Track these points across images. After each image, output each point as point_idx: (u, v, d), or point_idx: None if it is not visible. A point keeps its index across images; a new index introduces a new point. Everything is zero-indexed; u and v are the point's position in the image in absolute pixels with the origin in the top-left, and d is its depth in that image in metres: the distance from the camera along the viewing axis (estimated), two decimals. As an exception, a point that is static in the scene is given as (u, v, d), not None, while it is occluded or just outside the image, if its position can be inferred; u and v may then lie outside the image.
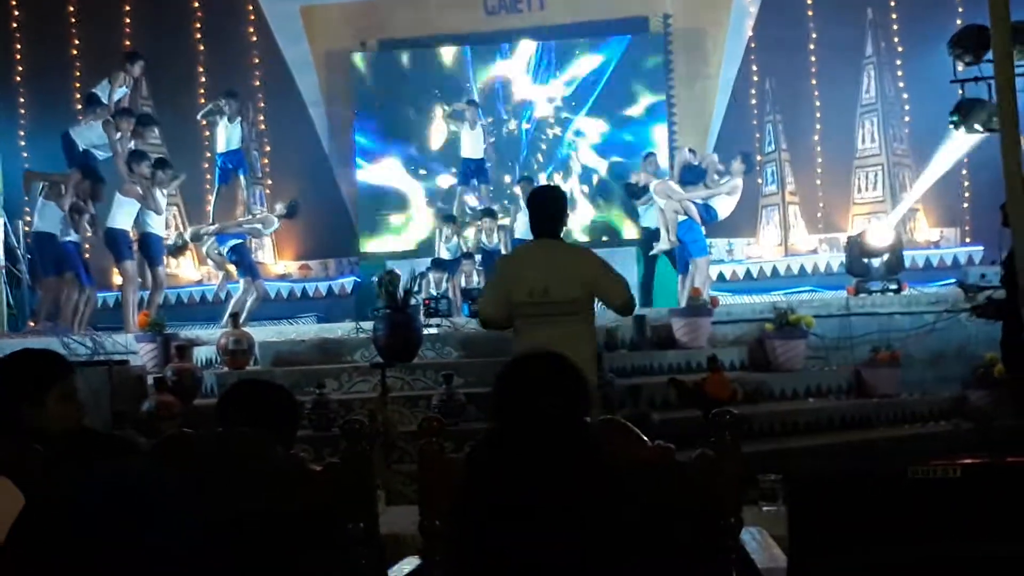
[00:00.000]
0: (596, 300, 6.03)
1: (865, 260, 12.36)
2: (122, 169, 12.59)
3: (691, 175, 13.10)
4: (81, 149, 13.01)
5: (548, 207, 5.94)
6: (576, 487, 3.13)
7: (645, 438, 3.46)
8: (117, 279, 15.93)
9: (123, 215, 12.54)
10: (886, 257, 12.27)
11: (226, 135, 14.26)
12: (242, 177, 14.50)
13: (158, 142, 14.86)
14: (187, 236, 14.05)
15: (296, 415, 3.97)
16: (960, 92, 9.55)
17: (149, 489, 2.30)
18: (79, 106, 16.48)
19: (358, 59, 16.55)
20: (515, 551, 3.10)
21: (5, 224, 14.20)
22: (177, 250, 14.49)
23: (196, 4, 16.62)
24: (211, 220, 14.16)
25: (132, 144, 12.99)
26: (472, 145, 14.85)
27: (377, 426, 7.54)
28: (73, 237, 12.81)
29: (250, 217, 13.99)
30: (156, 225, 12.80)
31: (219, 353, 10.32)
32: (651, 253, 13.59)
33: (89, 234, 13.06)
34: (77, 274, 12.85)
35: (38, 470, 3.24)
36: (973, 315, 8.69)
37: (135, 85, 13.84)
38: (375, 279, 10.55)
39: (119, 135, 12.69)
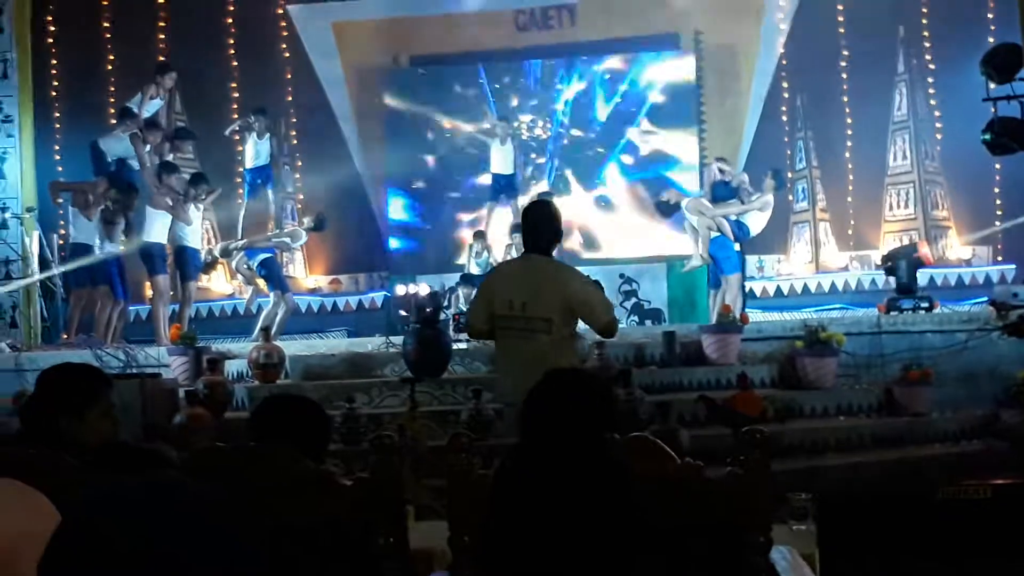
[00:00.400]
0: (576, 321, 5.97)
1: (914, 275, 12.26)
2: (150, 181, 12.68)
3: (723, 191, 13.07)
4: (110, 160, 13.09)
5: (538, 222, 5.93)
6: (600, 503, 3.14)
7: (674, 455, 3.46)
8: (149, 292, 16.10)
9: (156, 228, 12.62)
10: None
11: (254, 150, 14.36)
12: (270, 192, 14.59)
13: (191, 156, 14.96)
14: (216, 252, 14.13)
15: (327, 430, 4.00)
16: (993, 110, 9.50)
17: (182, 503, 2.33)
18: (113, 121, 16.67)
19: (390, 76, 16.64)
20: (539, 565, 3.11)
21: (40, 237, 14.33)
22: (207, 266, 14.58)
23: (230, 20, 16.74)
24: (240, 235, 14.24)
25: (170, 156, 13.07)
26: (503, 161, 14.89)
27: (407, 441, 7.55)
28: (110, 248, 12.89)
29: (278, 231, 14.06)
30: (192, 239, 12.86)
31: (250, 367, 10.38)
32: (683, 270, 13.58)
33: (122, 248, 13.13)
34: (112, 286, 12.95)
35: (71, 483, 3.27)
36: (1005, 334, 8.64)
37: (168, 98, 13.88)
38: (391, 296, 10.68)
39: (147, 148, 12.75)
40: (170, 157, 13.08)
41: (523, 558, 3.16)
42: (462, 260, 14.97)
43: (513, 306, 5.67)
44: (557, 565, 3.10)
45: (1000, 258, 15.16)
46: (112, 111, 16.70)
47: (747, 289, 13.15)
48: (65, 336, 13.99)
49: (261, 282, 13.75)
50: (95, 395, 3.81)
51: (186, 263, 12.83)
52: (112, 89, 16.84)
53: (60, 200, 14.06)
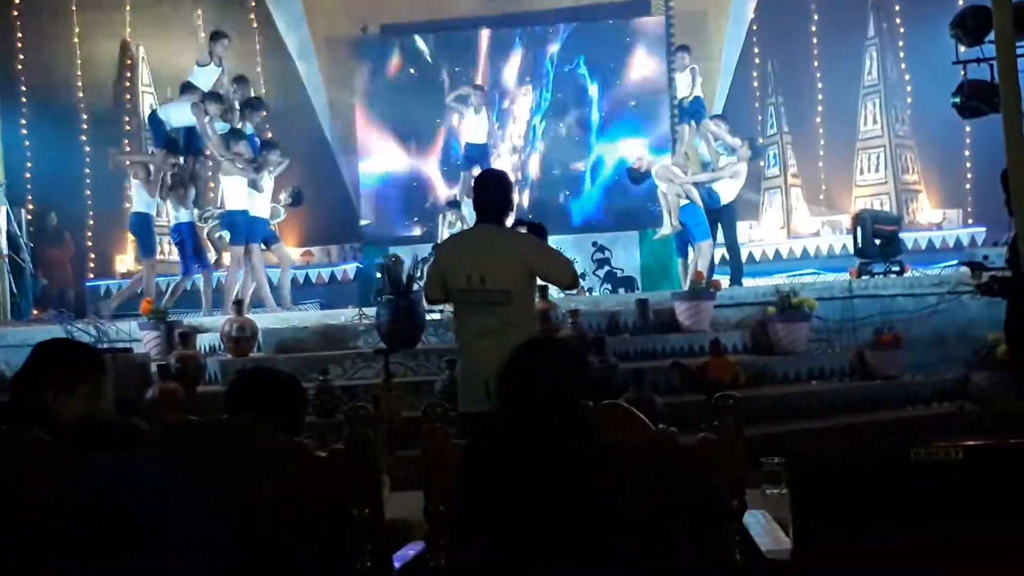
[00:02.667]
0: (535, 287, 6.04)
1: (877, 240, 12.35)
2: (217, 150, 12.56)
3: (694, 107, 13.28)
4: (170, 129, 12.97)
5: (490, 192, 5.89)
6: (573, 470, 3.14)
7: (648, 422, 3.47)
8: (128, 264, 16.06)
9: (232, 196, 12.49)
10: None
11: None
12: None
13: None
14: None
15: (302, 402, 4.00)
16: (962, 73, 9.52)
17: (153, 478, 2.32)
18: (80, 94, 16.53)
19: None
20: (514, 534, 3.12)
21: (8, 212, 14.20)
22: None
23: (197, -8, 16.61)
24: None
25: (239, 124, 12.94)
26: (476, 130, 14.82)
27: (381, 412, 7.55)
28: (185, 217, 12.83)
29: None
30: (259, 208, 12.71)
31: (222, 340, 10.33)
32: (655, 238, 13.60)
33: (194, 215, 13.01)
34: (182, 257, 12.90)
35: (43, 460, 3.25)
36: (979, 293, 8.67)
37: (223, 65, 13.65)
38: (378, 264, 10.57)
39: (207, 118, 12.62)
40: (239, 125, 12.93)
41: (498, 527, 3.17)
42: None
43: (471, 280, 5.64)
44: (532, 534, 3.11)
45: (971, 221, 15.24)
46: (80, 84, 16.60)
47: (719, 257, 13.16)
48: (35, 311, 13.91)
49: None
50: (87, 374, 3.82)
51: (254, 231, 12.68)
52: (79, 62, 16.67)
53: (116, 169, 13.91)
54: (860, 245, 12.47)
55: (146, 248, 13.21)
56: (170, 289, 13.02)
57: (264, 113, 13.61)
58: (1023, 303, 6.96)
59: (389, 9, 16.59)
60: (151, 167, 12.86)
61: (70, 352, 3.93)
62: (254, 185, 12.40)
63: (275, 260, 13.23)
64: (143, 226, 13.01)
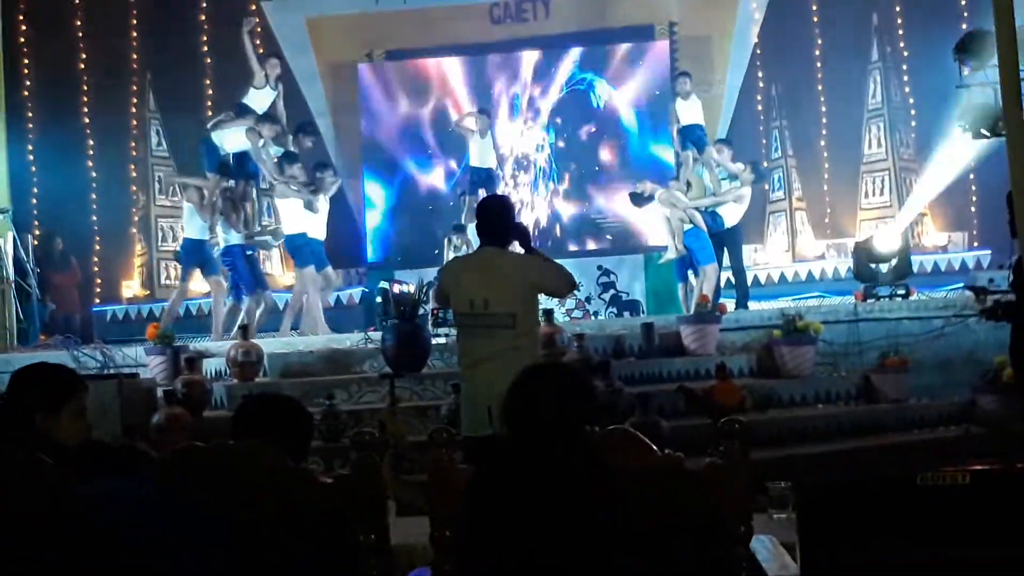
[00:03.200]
0: (538, 308, 6.14)
1: (873, 266, 12.36)
2: (271, 174, 12.61)
3: (695, 134, 13.36)
4: (224, 153, 12.98)
5: (492, 216, 5.93)
6: (577, 495, 3.14)
7: (654, 446, 3.47)
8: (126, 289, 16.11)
9: (290, 219, 12.52)
10: (894, 262, 12.27)
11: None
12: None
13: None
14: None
15: (308, 427, 4.00)
16: (966, 97, 9.55)
17: (159, 504, 2.32)
18: (87, 120, 16.58)
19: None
20: (520, 560, 3.11)
21: (15, 238, 14.23)
22: None
23: (203, 17, 16.67)
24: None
25: (292, 148, 12.97)
26: (481, 154, 14.84)
27: (387, 437, 7.55)
28: (236, 240, 12.78)
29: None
30: (316, 230, 12.69)
31: (228, 365, 10.34)
32: (660, 262, 13.61)
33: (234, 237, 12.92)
34: (239, 279, 12.87)
35: (49, 483, 3.25)
36: (983, 317, 8.66)
37: (279, 87, 13.68)
38: (379, 289, 10.63)
39: (262, 141, 12.65)
40: (292, 147, 12.98)
41: (503, 552, 3.16)
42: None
43: (474, 304, 5.68)
44: (538, 560, 3.10)
45: (976, 244, 15.23)
46: (86, 110, 16.66)
47: (724, 280, 13.17)
48: (43, 337, 13.92)
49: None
50: (68, 393, 3.86)
51: (307, 253, 12.68)
52: (85, 88, 16.75)
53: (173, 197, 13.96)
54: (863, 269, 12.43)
55: (185, 272, 13.25)
56: (225, 312, 13.00)
57: (317, 136, 13.64)
58: None
59: (395, 35, 16.63)
60: (204, 191, 12.84)
61: (49, 374, 3.98)
62: (310, 207, 12.41)
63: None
64: (194, 251, 12.96)
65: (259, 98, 13.21)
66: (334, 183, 12.92)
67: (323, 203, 12.65)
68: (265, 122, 12.74)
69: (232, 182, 12.92)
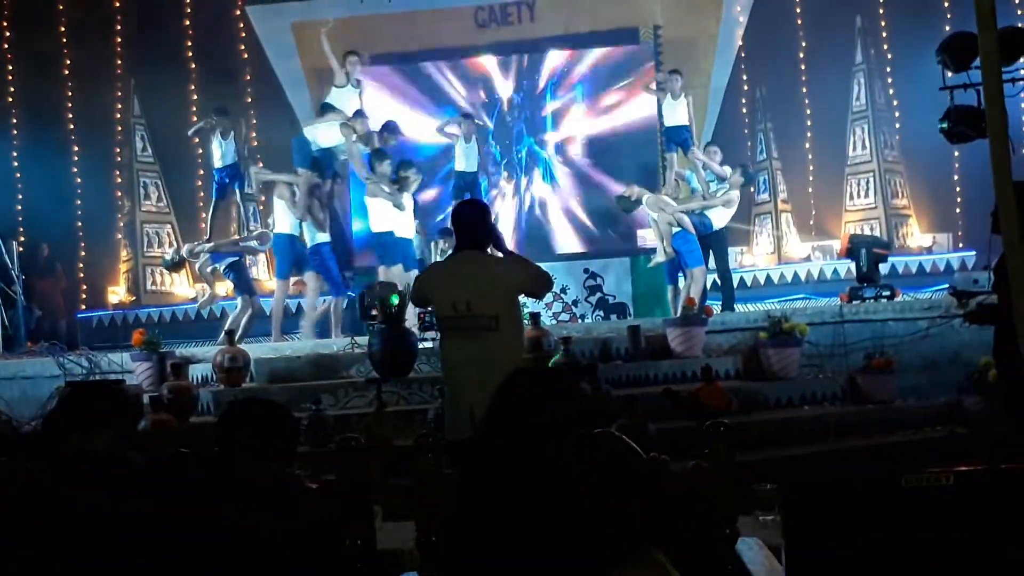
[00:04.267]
0: (520, 309, 6.20)
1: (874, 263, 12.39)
2: (361, 171, 12.65)
3: (680, 135, 13.40)
4: (315, 150, 13.00)
5: (472, 221, 5.95)
6: (566, 499, 3.14)
7: (639, 450, 3.47)
8: (112, 296, 16.06)
9: (378, 218, 12.53)
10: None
11: (221, 151, 14.27)
12: (238, 191, 14.52)
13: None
14: (183, 252, 14.04)
15: (295, 433, 3.99)
16: (950, 99, 9.57)
17: (147, 514, 2.32)
18: (72, 127, 16.55)
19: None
20: (507, 562, 3.12)
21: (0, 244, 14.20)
22: (174, 266, 14.49)
23: (187, 23, 16.65)
24: (207, 235, 14.17)
25: (377, 145, 12.95)
26: (466, 159, 14.86)
27: (373, 441, 7.55)
28: (323, 238, 12.79)
29: (246, 234, 13.99)
30: (403, 228, 12.68)
31: (215, 371, 10.33)
32: (649, 265, 13.63)
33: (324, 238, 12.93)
34: (329, 278, 12.85)
35: (33, 492, 3.25)
36: (966, 322, 8.71)
37: (361, 86, 13.67)
38: (362, 288, 10.65)
39: (355, 136, 12.64)
40: (378, 144, 12.99)
41: (494, 557, 3.16)
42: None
43: (457, 307, 5.70)
44: (529, 565, 3.10)
45: (961, 245, 15.29)
46: (71, 116, 16.63)
47: (710, 282, 13.20)
48: (30, 344, 13.87)
49: (223, 285, 13.70)
50: (111, 420, 3.83)
51: (396, 251, 12.65)
52: (69, 94, 16.72)
53: (253, 189, 13.92)
54: (864, 270, 12.44)
55: (282, 270, 13.16)
56: (321, 309, 13.05)
57: (402, 136, 13.62)
58: (1010, 328, 6.97)
59: (380, 39, 16.61)
60: (296, 187, 12.84)
61: (95, 396, 3.95)
62: (398, 205, 12.42)
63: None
64: (287, 247, 12.93)
65: (341, 96, 13.40)
66: (416, 181, 12.90)
67: (408, 200, 12.65)
68: (358, 117, 12.86)
69: (319, 180, 12.95)
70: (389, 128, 13.33)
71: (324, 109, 13.35)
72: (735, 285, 13.62)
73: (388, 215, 12.45)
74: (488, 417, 3.40)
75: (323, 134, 13.02)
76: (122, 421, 3.90)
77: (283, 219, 12.84)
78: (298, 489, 3.50)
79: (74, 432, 3.74)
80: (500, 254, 6.00)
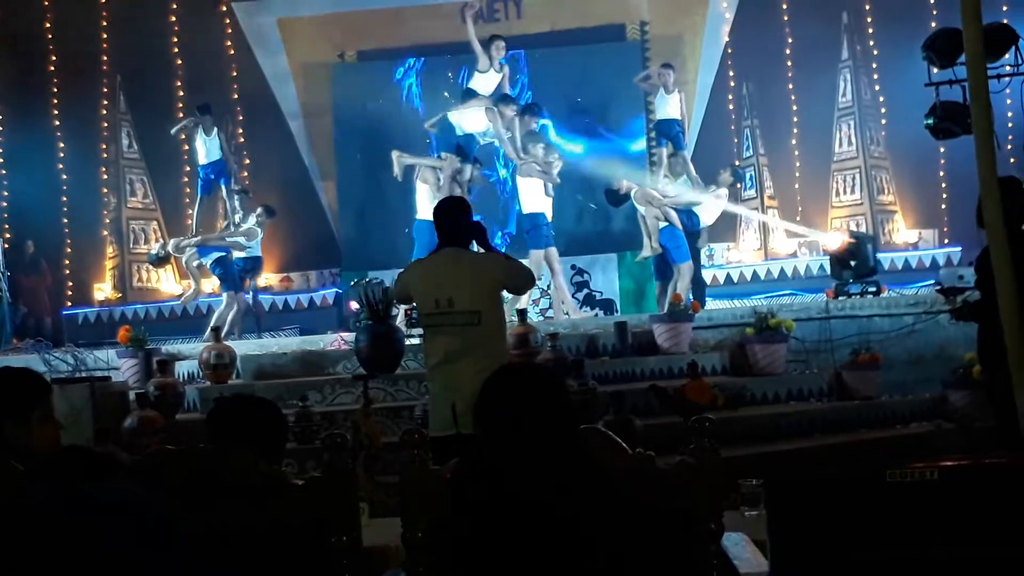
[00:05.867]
0: (503, 306, 6.31)
1: (853, 262, 12.34)
2: (513, 153, 12.67)
3: (672, 129, 13.45)
4: (460, 134, 13.01)
5: (452, 218, 6.00)
6: (558, 496, 3.14)
7: (625, 446, 3.48)
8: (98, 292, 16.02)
9: (530, 200, 12.55)
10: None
11: (206, 147, 14.26)
12: (223, 187, 14.51)
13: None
14: (169, 247, 14.03)
15: (283, 430, 3.98)
16: (935, 95, 9.60)
17: (133, 509, 2.32)
18: (57, 123, 16.50)
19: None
20: (502, 559, 3.12)
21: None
22: (159, 261, 14.48)
23: (173, 19, 16.61)
24: (193, 231, 14.16)
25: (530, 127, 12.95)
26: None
27: (360, 438, 7.54)
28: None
29: (233, 230, 13.96)
30: (549, 212, 12.70)
31: (201, 367, 10.31)
32: (636, 260, 13.64)
33: None
34: None
35: (18, 490, 3.24)
36: (953, 318, 8.74)
37: (505, 71, 13.62)
38: (354, 284, 10.61)
39: (502, 121, 12.63)
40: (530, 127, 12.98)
41: (490, 556, 3.16)
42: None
43: (439, 304, 5.75)
44: (525, 562, 3.10)
45: (946, 241, 15.33)
46: (56, 112, 16.57)
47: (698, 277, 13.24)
48: (15, 341, 13.83)
49: (208, 281, 13.68)
50: (36, 398, 3.82)
51: (545, 234, 12.65)
52: (55, 91, 16.67)
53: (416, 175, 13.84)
54: (858, 268, 12.39)
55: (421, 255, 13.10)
56: None
57: (545, 121, 13.63)
58: (994, 324, 6.98)
59: (367, 35, 16.61)
60: (438, 172, 12.81)
61: (15, 380, 3.92)
62: (551, 186, 12.45)
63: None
64: (428, 233, 12.81)
65: (484, 81, 13.35)
66: (560, 164, 12.88)
67: (555, 178, 12.70)
68: (505, 101, 12.85)
69: (460, 165, 12.96)
70: (532, 110, 13.29)
71: (467, 95, 13.29)
72: (722, 281, 13.65)
73: (540, 197, 12.52)
74: (475, 414, 3.40)
75: (468, 119, 13.00)
76: (46, 398, 3.88)
77: (425, 204, 12.65)
78: (284, 485, 3.50)
79: (6, 420, 3.74)
80: (481, 249, 6.04)
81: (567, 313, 12.76)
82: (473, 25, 13.68)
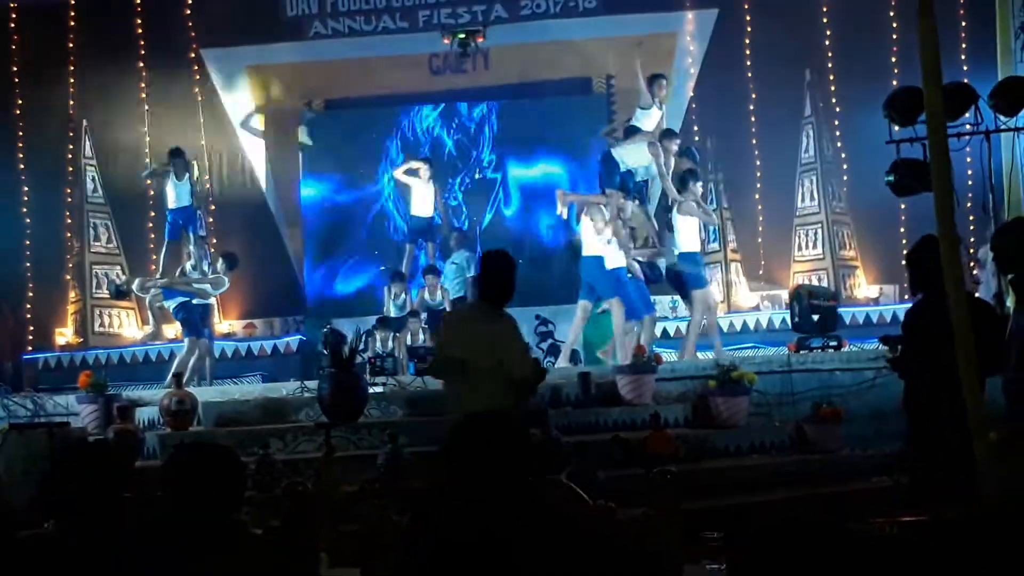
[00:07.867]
0: None
1: (815, 316, 12.43)
2: (671, 189, 12.69)
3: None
4: (623, 170, 13.00)
5: (500, 275, 6.10)
6: (517, 545, 3.14)
7: (587, 497, 3.49)
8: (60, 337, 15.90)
9: (688, 238, 12.58)
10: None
11: (176, 192, 14.26)
12: (191, 234, 14.48)
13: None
14: (134, 287, 14.01)
15: (240, 478, 3.96)
16: (896, 152, 9.73)
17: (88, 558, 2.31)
18: (21, 167, 16.42)
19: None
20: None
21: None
22: (120, 294, 14.43)
23: (141, 64, 16.60)
24: (159, 274, 14.13)
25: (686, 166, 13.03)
26: (423, 202, 14.90)
27: (321, 487, 7.50)
28: (622, 262, 12.61)
29: (200, 277, 13.93)
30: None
31: (162, 414, 10.23)
32: (599, 312, 13.64)
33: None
34: (628, 302, 12.64)
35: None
36: (890, 368, 8.74)
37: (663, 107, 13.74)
38: (324, 333, 10.58)
39: (664, 156, 12.67)
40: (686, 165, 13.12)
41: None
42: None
43: (472, 352, 5.98)
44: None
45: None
46: (21, 156, 16.50)
47: (660, 330, 13.27)
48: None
49: (171, 327, 13.63)
50: None
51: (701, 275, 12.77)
52: (20, 134, 16.61)
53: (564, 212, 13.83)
54: (797, 320, 12.56)
55: (587, 293, 13.10)
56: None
57: (696, 158, 13.81)
58: (921, 380, 6.98)
59: (334, 84, 16.69)
60: (605, 209, 12.75)
61: None
62: (710, 224, 12.58)
63: None
64: (597, 269, 12.74)
65: (647, 118, 13.44)
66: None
67: (713, 215, 12.97)
68: (668, 136, 12.96)
69: (623, 200, 12.96)
70: (686, 153, 13.50)
71: (629, 132, 13.42)
72: (685, 333, 13.65)
73: (694, 235, 12.68)
74: (441, 464, 3.40)
75: (631, 155, 13.07)
76: None
77: (592, 240, 12.65)
78: (243, 535, 3.47)
79: None
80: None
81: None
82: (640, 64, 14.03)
